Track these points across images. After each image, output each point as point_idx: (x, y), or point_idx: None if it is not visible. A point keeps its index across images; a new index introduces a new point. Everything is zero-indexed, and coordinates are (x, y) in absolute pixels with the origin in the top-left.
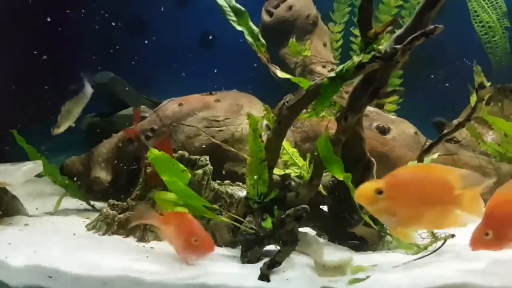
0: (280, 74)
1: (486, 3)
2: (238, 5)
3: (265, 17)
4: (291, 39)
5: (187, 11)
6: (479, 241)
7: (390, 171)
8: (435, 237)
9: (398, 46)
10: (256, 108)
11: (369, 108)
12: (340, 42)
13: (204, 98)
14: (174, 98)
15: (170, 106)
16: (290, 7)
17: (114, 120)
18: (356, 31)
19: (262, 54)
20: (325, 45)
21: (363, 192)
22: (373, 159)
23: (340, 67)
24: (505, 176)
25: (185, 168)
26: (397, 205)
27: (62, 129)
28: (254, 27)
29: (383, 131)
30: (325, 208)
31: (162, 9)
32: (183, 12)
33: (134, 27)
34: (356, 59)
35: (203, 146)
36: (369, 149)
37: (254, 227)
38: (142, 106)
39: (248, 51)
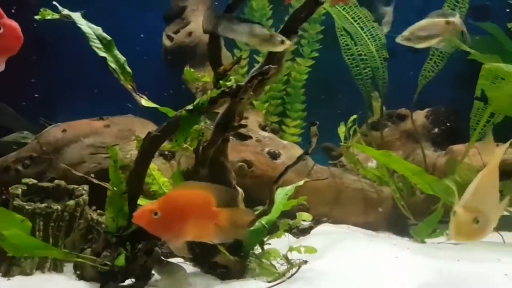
0: (145, 103)
1: (366, 35)
2: (104, 34)
3: (166, 41)
4: (186, 67)
5: None
6: (145, 218)
7: None
8: (290, 264)
9: (242, 84)
10: None
11: (263, 134)
12: (246, 68)
13: (92, 123)
14: (59, 123)
15: (53, 132)
16: (190, 33)
17: None
18: (260, 58)
19: (128, 82)
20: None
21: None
22: (239, 188)
23: (197, 100)
24: (386, 198)
25: (24, 218)
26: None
27: None
28: (120, 56)
29: (274, 156)
30: None
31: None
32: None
33: (33, 46)
34: (212, 92)
35: (91, 175)
36: (260, 174)
37: (108, 262)
38: (25, 132)
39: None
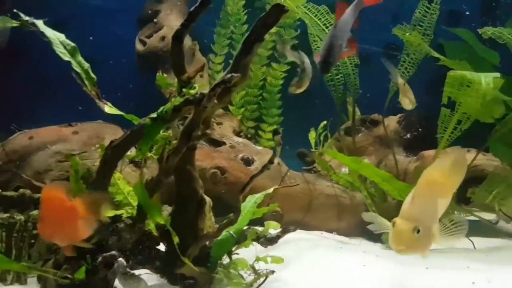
0: (109, 110)
1: None
2: (68, 41)
3: (138, 46)
4: (158, 72)
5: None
6: None
7: None
8: (257, 274)
9: (205, 92)
10: None
11: (237, 140)
12: (221, 73)
13: (60, 130)
14: (26, 130)
15: (19, 139)
16: (163, 38)
17: None
18: None
19: (92, 89)
20: (201, 76)
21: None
22: (206, 197)
23: (161, 108)
24: (359, 204)
25: None
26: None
27: None
28: (84, 62)
29: (248, 162)
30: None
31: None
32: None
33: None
34: (175, 100)
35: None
36: (234, 180)
37: (68, 275)
38: None
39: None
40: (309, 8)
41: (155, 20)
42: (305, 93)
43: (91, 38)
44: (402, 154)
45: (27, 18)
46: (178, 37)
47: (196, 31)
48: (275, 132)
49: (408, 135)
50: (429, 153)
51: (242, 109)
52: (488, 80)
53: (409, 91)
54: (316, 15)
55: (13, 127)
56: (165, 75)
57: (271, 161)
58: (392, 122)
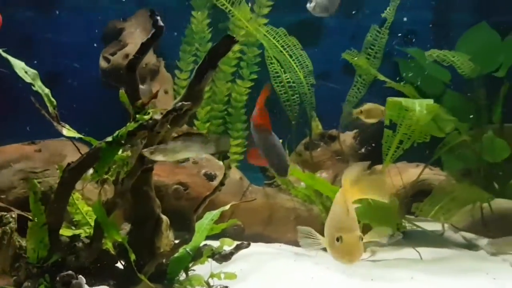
0: (67, 133)
1: (295, 62)
2: (27, 68)
3: (103, 63)
4: (121, 89)
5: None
6: None
7: None
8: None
9: (158, 118)
10: None
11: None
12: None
13: (23, 148)
14: None
15: None
16: (126, 55)
17: None
18: None
19: (53, 111)
20: (166, 92)
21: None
22: (164, 217)
23: (116, 132)
24: (316, 216)
25: None
26: None
27: None
28: (44, 87)
29: (211, 177)
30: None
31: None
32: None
33: None
34: (129, 125)
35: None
36: (196, 196)
37: None
38: None
39: None
40: (267, 31)
41: (119, 38)
42: (269, 107)
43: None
44: None
45: None
46: (131, 67)
47: (163, 48)
48: (224, 157)
49: (363, 150)
50: (381, 167)
51: (208, 124)
52: (421, 107)
53: (370, 111)
54: (275, 37)
55: None
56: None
57: (222, 183)
58: (348, 137)
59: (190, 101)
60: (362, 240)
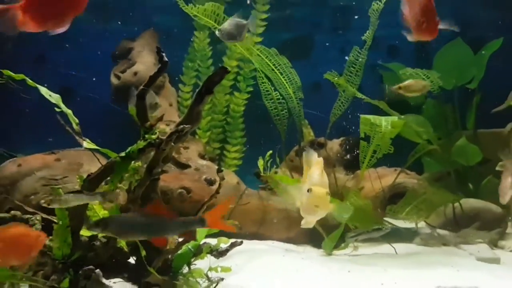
0: (87, 145)
1: (285, 79)
2: (50, 92)
3: (113, 80)
4: (129, 105)
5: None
6: None
7: None
8: (210, 281)
9: (164, 137)
10: (96, 165)
11: (202, 162)
12: (189, 101)
13: (44, 158)
14: (15, 158)
15: (9, 167)
16: (135, 73)
17: None
18: None
19: (76, 127)
20: (171, 104)
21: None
22: None
23: (129, 148)
24: None
25: None
26: None
27: None
28: (66, 108)
29: (210, 182)
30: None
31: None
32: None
33: None
34: (140, 143)
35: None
36: (198, 199)
37: (55, 285)
38: None
39: None
40: (260, 50)
41: (128, 57)
42: (264, 117)
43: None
44: (342, 173)
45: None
46: (141, 96)
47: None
48: (218, 170)
49: (348, 156)
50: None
51: (209, 132)
52: (387, 123)
53: (410, 86)
54: (267, 56)
55: (2, 151)
56: None
57: (217, 191)
58: (335, 145)
59: (190, 121)
60: (329, 195)
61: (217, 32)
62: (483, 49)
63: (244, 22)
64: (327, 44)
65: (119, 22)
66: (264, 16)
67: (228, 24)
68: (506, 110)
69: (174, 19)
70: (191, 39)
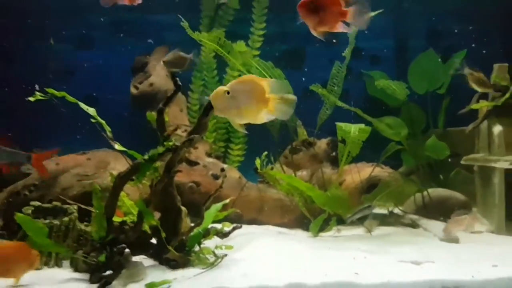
0: (118, 147)
1: None
2: (89, 107)
3: (133, 90)
4: (147, 111)
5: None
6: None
7: None
8: (216, 256)
9: (178, 144)
10: (120, 163)
11: (208, 160)
12: (197, 107)
13: (76, 157)
14: (53, 159)
15: (49, 166)
16: (151, 84)
17: None
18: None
19: (109, 134)
20: (181, 110)
21: (217, 93)
22: (183, 208)
23: (151, 152)
24: (297, 205)
25: (42, 224)
26: (237, 102)
27: None
28: (100, 119)
29: (216, 177)
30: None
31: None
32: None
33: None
34: (159, 148)
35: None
36: (206, 191)
37: (95, 259)
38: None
39: None
40: (258, 64)
41: (145, 69)
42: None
43: None
44: (329, 168)
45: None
46: (160, 112)
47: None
48: (221, 169)
49: (334, 154)
50: (347, 167)
51: (214, 133)
52: (355, 130)
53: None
54: (264, 69)
55: (36, 150)
56: (153, 113)
57: (221, 186)
58: (323, 144)
59: (199, 131)
60: (228, 94)
61: (161, 62)
62: (450, 59)
63: (187, 56)
64: (317, 54)
65: (150, 40)
66: (262, 32)
67: (173, 55)
68: (469, 112)
69: (183, 34)
70: (199, 53)
